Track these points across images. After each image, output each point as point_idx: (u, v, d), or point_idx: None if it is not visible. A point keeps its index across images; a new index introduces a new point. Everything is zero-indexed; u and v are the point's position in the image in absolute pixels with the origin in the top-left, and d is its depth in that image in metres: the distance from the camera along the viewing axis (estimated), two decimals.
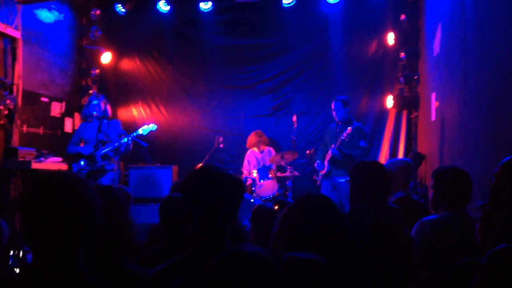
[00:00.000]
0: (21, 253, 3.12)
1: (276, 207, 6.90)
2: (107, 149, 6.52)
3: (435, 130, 6.65)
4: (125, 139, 6.44)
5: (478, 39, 4.54)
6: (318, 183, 6.93)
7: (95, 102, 6.72)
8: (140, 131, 6.61)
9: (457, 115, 5.36)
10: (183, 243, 2.99)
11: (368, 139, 6.69)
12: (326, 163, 6.65)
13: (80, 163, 6.58)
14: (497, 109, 3.95)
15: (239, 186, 2.16)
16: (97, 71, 9.39)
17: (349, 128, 6.32)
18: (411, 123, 8.45)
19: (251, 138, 8.47)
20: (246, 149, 8.61)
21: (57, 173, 1.83)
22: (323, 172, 6.69)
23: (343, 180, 6.47)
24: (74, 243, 1.76)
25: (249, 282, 1.46)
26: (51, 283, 1.70)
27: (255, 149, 8.45)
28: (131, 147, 6.60)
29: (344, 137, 6.30)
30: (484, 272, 1.78)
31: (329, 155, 6.59)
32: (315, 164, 6.87)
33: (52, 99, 8.34)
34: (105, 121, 6.61)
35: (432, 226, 3.06)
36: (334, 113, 6.69)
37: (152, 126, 6.79)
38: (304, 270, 1.77)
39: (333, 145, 6.46)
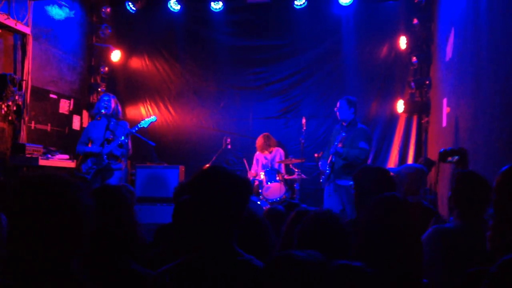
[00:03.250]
0: None
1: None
2: (112, 146, 6.49)
3: (445, 136, 6.57)
4: (126, 134, 6.42)
5: (491, 45, 4.47)
6: (323, 185, 6.79)
7: (105, 98, 6.71)
8: (141, 124, 6.59)
9: (468, 121, 5.28)
10: (191, 244, 2.96)
11: (372, 142, 6.50)
12: (327, 166, 6.51)
13: (87, 163, 6.57)
14: (510, 117, 3.88)
15: (247, 187, 2.14)
16: (106, 69, 9.38)
17: (343, 135, 6.15)
18: (421, 128, 8.38)
19: (259, 141, 8.42)
20: (254, 151, 8.57)
21: (43, 175, 1.70)
22: (326, 175, 6.54)
23: (343, 184, 6.34)
24: (65, 249, 1.65)
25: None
26: None
27: (264, 151, 8.39)
28: (130, 145, 6.60)
29: (339, 141, 6.14)
30: (494, 280, 1.76)
31: (330, 158, 6.46)
32: (319, 164, 6.72)
33: (61, 96, 8.34)
34: (113, 120, 6.58)
35: (444, 235, 2.99)
36: (337, 109, 6.47)
37: (152, 118, 6.81)
38: (353, 278, 1.77)
39: (331, 147, 6.27)
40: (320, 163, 6.68)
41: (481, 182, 3.05)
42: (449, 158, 3.54)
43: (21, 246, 1.62)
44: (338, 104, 6.49)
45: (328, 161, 6.42)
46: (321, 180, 6.82)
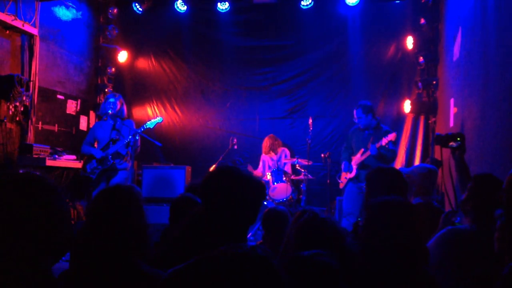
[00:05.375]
0: None
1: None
2: (118, 146, 6.50)
3: None
4: (133, 134, 6.42)
5: (499, 45, 4.44)
6: (341, 186, 6.73)
7: (111, 100, 6.70)
8: (147, 124, 6.59)
9: (476, 121, 5.25)
10: (192, 243, 2.96)
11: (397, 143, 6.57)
12: (354, 166, 6.47)
13: (92, 163, 6.58)
14: None
15: (261, 189, 2.12)
16: (113, 69, 9.41)
17: (390, 134, 6.01)
18: (428, 128, 8.34)
19: (265, 143, 8.40)
20: (260, 151, 8.56)
21: (20, 175, 1.74)
22: (351, 175, 6.53)
23: None
24: (35, 246, 1.66)
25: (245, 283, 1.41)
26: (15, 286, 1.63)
27: (271, 153, 8.37)
28: (138, 143, 6.59)
29: (385, 143, 6.01)
30: (507, 282, 1.73)
31: (358, 159, 6.39)
32: (342, 165, 6.63)
33: (68, 96, 8.36)
34: (119, 120, 6.60)
35: (459, 237, 2.94)
36: (356, 120, 6.47)
37: (158, 119, 6.79)
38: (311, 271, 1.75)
39: (372, 146, 6.10)
40: (343, 164, 6.62)
41: (500, 186, 2.96)
42: (452, 143, 3.47)
43: None
44: (355, 114, 6.47)
45: (357, 162, 6.38)
46: (339, 181, 6.77)
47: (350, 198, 6.50)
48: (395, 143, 6.36)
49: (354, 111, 6.48)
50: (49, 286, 1.69)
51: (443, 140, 3.50)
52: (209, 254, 1.94)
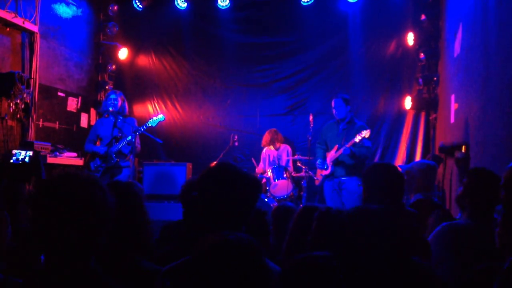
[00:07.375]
0: None
1: None
2: (121, 145, 6.51)
3: (454, 132, 6.53)
4: (135, 130, 6.41)
5: (500, 41, 4.44)
6: (317, 183, 6.79)
7: (112, 96, 6.71)
8: (149, 123, 6.58)
9: (477, 117, 5.25)
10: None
11: (372, 138, 6.60)
12: (329, 163, 6.50)
13: (96, 161, 6.59)
14: None
15: (257, 186, 2.12)
16: (114, 66, 9.40)
17: (364, 131, 6.05)
18: (429, 125, 8.33)
19: (266, 136, 8.42)
20: (261, 148, 8.55)
21: (67, 173, 1.73)
22: (326, 172, 6.54)
23: (345, 179, 6.35)
24: (86, 244, 1.68)
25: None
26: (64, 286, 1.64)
27: (271, 147, 8.39)
28: (138, 143, 6.59)
29: (358, 141, 6.06)
30: (507, 276, 1.73)
31: (333, 156, 6.40)
32: (316, 163, 6.68)
33: (69, 94, 8.37)
34: (120, 118, 6.60)
35: (456, 232, 2.95)
36: (334, 111, 6.52)
37: (160, 117, 6.75)
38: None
39: (345, 145, 6.20)
40: (317, 162, 6.67)
41: (496, 180, 2.86)
42: (457, 154, 3.46)
43: (42, 244, 1.65)
44: (333, 103, 6.53)
45: (331, 159, 6.41)
46: (315, 178, 6.84)
47: (327, 196, 6.59)
48: (370, 138, 6.36)
49: (333, 101, 6.55)
50: (98, 284, 1.71)
51: (448, 150, 3.48)
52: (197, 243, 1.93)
